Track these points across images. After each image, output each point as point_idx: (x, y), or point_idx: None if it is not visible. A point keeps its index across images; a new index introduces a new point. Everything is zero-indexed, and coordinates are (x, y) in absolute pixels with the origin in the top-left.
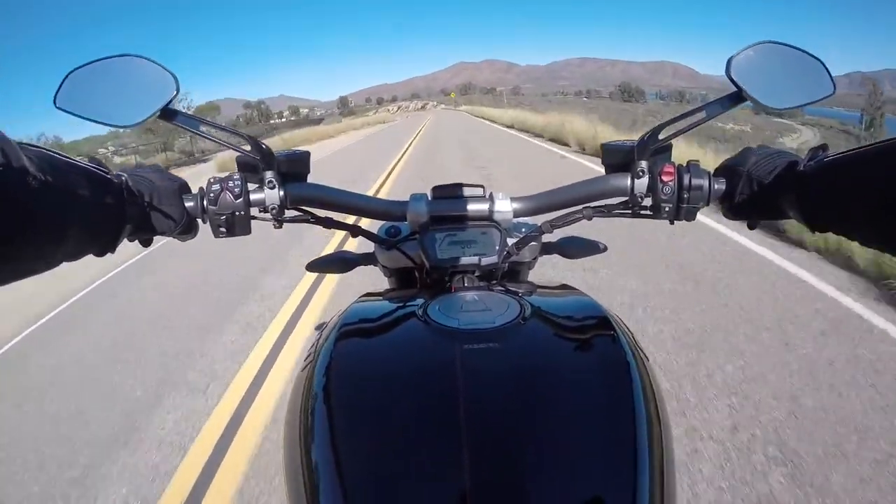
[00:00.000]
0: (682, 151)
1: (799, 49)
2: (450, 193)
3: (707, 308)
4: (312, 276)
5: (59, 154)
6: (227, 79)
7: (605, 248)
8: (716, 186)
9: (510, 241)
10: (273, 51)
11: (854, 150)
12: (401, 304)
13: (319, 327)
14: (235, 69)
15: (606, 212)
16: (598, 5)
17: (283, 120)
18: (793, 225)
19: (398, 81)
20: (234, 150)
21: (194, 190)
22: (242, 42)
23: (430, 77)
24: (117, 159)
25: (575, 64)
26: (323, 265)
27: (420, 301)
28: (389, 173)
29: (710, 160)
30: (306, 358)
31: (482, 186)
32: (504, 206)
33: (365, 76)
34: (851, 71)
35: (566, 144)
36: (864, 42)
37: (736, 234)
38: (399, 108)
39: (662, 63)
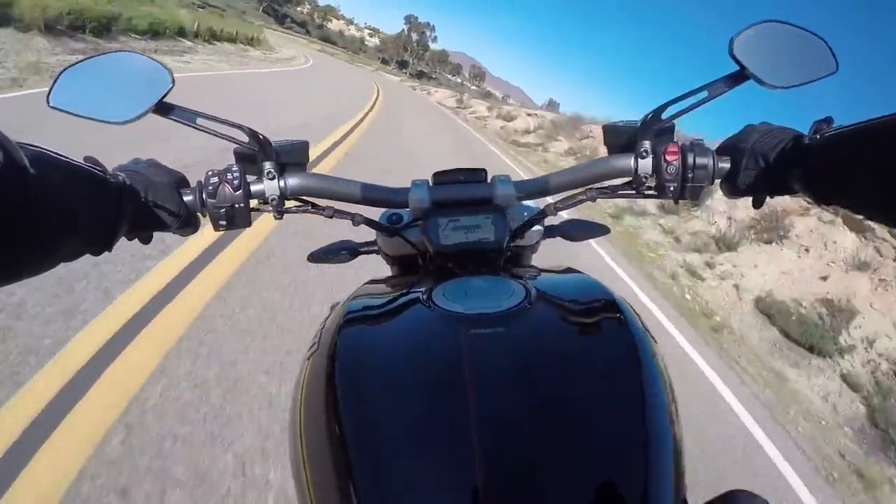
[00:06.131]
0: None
1: (801, 27)
2: (451, 178)
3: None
4: None
5: (57, 154)
6: None
7: (609, 231)
8: (720, 164)
9: (513, 225)
10: None
11: (859, 123)
12: (405, 291)
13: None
14: None
15: (610, 193)
16: None
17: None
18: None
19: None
20: (231, 141)
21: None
22: None
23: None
24: None
25: None
26: (324, 255)
27: (424, 287)
28: None
29: None
30: (311, 346)
31: (484, 170)
32: (506, 190)
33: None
34: None
35: None
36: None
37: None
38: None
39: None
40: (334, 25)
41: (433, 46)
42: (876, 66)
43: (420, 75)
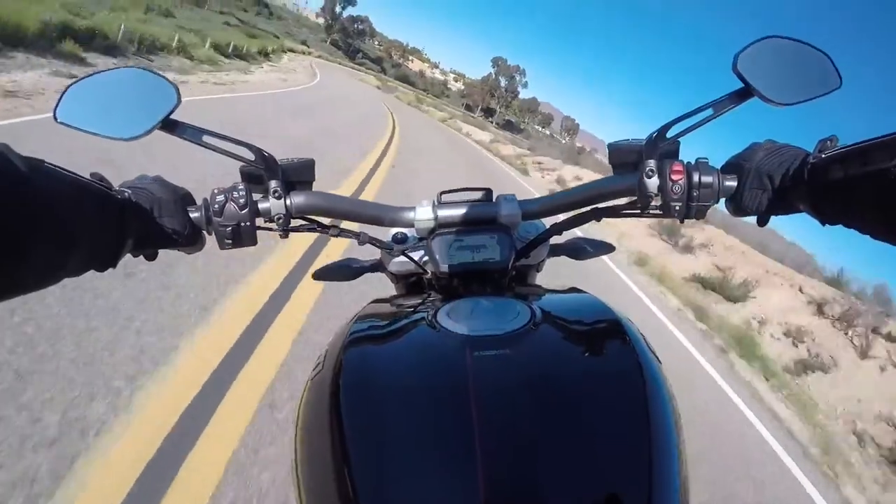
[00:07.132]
0: None
1: (804, 43)
2: (456, 198)
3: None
4: None
5: (61, 168)
6: None
7: (614, 249)
8: (725, 183)
9: (518, 245)
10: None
11: (863, 142)
12: (410, 311)
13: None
14: None
15: (615, 212)
16: None
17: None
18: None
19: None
20: (237, 159)
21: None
22: None
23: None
24: None
25: None
26: (330, 273)
27: (429, 307)
28: None
29: None
30: (316, 366)
31: (489, 190)
32: (511, 210)
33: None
34: None
35: None
36: None
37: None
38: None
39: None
40: (415, 66)
41: (522, 93)
42: (882, 82)
43: (508, 126)
